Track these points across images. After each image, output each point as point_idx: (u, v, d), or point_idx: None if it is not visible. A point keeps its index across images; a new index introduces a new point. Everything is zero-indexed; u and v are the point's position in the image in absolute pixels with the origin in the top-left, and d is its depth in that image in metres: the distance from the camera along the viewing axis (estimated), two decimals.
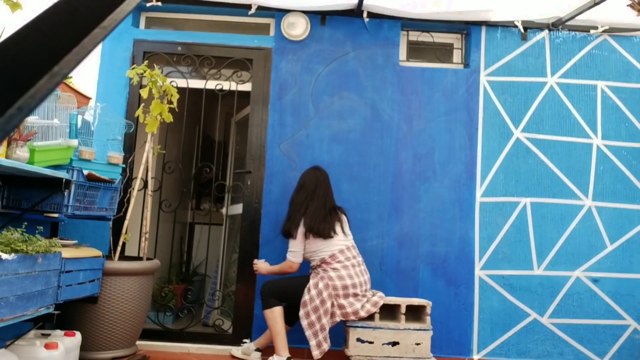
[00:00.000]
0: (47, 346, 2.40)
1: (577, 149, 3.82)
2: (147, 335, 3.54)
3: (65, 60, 0.32)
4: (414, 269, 3.71)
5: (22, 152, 2.44)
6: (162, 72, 3.47)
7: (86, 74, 3.73)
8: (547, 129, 3.83)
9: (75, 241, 3.00)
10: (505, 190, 3.78)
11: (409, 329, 3.15)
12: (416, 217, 3.74)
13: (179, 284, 4.47)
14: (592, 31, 3.87)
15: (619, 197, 3.79)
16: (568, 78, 3.87)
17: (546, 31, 3.89)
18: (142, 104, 3.44)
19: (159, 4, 3.80)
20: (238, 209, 3.93)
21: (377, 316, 3.17)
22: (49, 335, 2.63)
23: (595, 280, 3.73)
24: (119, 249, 3.22)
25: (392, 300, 3.24)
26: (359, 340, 3.13)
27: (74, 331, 2.73)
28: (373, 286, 3.67)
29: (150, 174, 3.60)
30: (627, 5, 3.20)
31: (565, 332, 3.69)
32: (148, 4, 3.84)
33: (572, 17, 3.63)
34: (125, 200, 3.41)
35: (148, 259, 3.31)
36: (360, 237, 3.70)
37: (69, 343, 2.60)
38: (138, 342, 3.25)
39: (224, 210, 4.25)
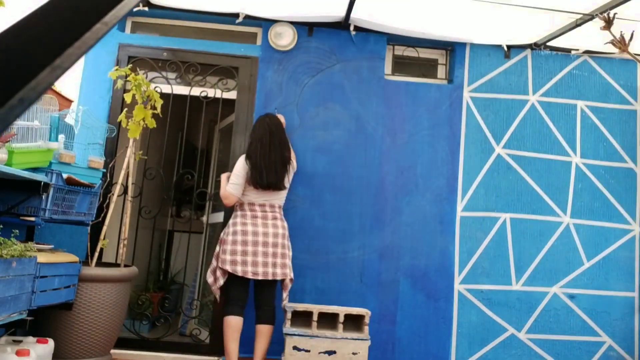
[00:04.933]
0: (18, 353, 2.33)
1: (556, 166, 3.88)
2: (122, 343, 3.47)
3: (66, 54, 0.31)
4: (394, 281, 3.71)
5: (0, 154, 2.39)
6: (146, 77, 3.44)
7: (69, 77, 3.68)
8: (528, 145, 3.89)
9: (52, 246, 2.94)
10: (486, 205, 3.82)
11: (346, 338, 3.14)
12: (397, 230, 3.75)
13: (156, 292, 4.41)
14: (572, 52, 3.96)
15: (597, 215, 3.86)
16: (549, 97, 3.95)
17: (529, 50, 3.97)
18: (125, 109, 3.40)
19: (146, 9, 3.78)
20: (219, 217, 3.90)
21: (314, 324, 3.15)
22: (20, 342, 2.56)
23: (571, 297, 3.78)
24: (96, 255, 3.16)
25: (331, 309, 3.23)
26: (295, 348, 3.11)
27: (47, 338, 2.66)
28: (353, 298, 3.67)
29: (130, 180, 3.56)
30: (608, 43, 3.28)
31: (541, 348, 3.72)
32: (134, 9, 3.81)
33: (554, 37, 3.71)
34: (104, 205, 3.36)
35: (126, 265, 3.26)
36: (341, 248, 3.70)
37: (41, 350, 2.54)
38: (113, 351, 3.19)
39: (204, 219, 4.21)
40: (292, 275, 3.24)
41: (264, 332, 3.16)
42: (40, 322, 2.86)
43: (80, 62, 3.75)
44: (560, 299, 3.77)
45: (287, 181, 3.30)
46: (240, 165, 3.25)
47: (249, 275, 3.10)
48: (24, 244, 2.43)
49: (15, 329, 2.85)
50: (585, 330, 3.76)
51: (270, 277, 3.13)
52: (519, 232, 3.81)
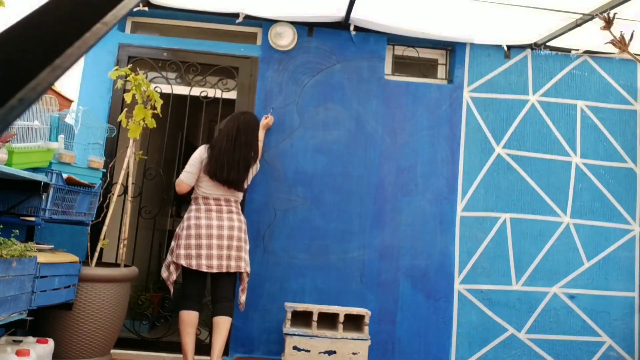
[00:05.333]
0: (18, 353, 2.33)
1: (556, 166, 3.88)
2: (122, 343, 3.46)
3: (66, 54, 0.31)
4: (394, 281, 3.71)
5: (0, 154, 2.38)
6: (146, 77, 3.44)
7: (69, 77, 3.68)
8: (528, 145, 3.89)
9: (52, 246, 2.94)
10: (486, 205, 3.82)
11: (346, 338, 3.14)
12: (397, 230, 3.75)
13: (156, 292, 4.40)
14: (572, 52, 3.96)
15: (597, 215, 3.86)
16: (549, 97, 3.94)
17: (528, 50, 3.97)
18: (125, 109, 3.40)
19: (146, 9, 3.78)
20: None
21: (314, 324, 3.15)
22: (20, 342, 2.56)
23: (571, 297, 3.78)
24: (96, 255, 3.16)
25: (331, 309, 3.23)
26: (295, 348, 3.12)
27: (47, 338, 2.66)
28: (353, 298, 3.67)
29: (130, 180, 3.55)
30: (608, 43, 3.27)
31: (541, 348, 3.72)
32: (134, 9, 3.81)
33: (554, 37, 3.71)
34: (104, 205, 3.36)
35: (126, 265, 3.26)
36: (341, 248, 3.70)
37: (41, 350, 2.53)
38: (113, 351, 3.19)
39: None
40: (248, 269, 3.21)
41: (221, 324, 3.12)
42: (40, 322, 2.86)
43: (80, 62, 3.75)
44: (560, 299, 3.77)
45: (246, 183, 3.30)
46: (198, 155, 3.23)
47: (204, 269, 3.07)
48: (24, 244, 2.43)
49: (15, 329, 2.85)
50: (585, 330, 3.76)
51: (224, 270, 3.10)
52: (519, 232, 3.81)
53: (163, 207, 4.20)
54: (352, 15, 3.64)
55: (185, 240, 3.11)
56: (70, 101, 3.37)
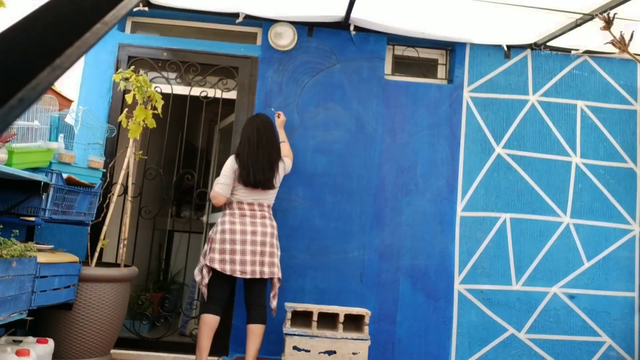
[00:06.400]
0: (18, 353, 2.33)
1: (556, 166, 3.88)
2: (122, 343, 3.47)
3: (66, 54, 0.31)
4: (394, 281, 3.71)
5: (0, 154, 2.38)
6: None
7: (69, 77, 3.68)
8: (528, 145, 3.89)
9: (52, 246, 2.94)
10: (486, 205, 3.82)
11: (346, 338, 3.14)
12: (397, 230, 3.75)
13: (156, 292, 4.41)
14: (572, 52, 3.96)
15: (596, 215, 3.86)
16: (549, 97, 3.94)
17: (529, 50, 3.97)
18: (126, 109, 3.40)
19: (146, 9, 3.78)
20: (219, 217, 3.90)
21: (314, 324, 3.15)
22: (20, 342, 2.56)
23: (571, 297, 3.78)
24: (96, 255, 3.16)
25: (331, 309, 3.23)
26: (295, 348, 3.12)
27: (47, 338, 2.66)
28: (353, 298, 3.67)
29: (130, 180, 3.55)
30: (608, 43, 3.28)
31: (541, 348, 3.72)
32: (134, 9, 3.81)
33: (554, 37, 3.71)
34: (104, 205, 3.36)
35: (126, 265, 3.26)
36: (341, 248, 3.70)
37: (41, 350, 2.54)
38: (113, 351, 3.19)
39: (204, 219, 4.21)
40: (280, 275, 3.21)
41: (256, 332, 3.12)
42: (40, 322, 2.86)
43: (80, 62, 3.75)
44: (560, 299, 3.77)
45: (277, 181, 3.28)
46: (229, 165, 3.24)
47: (237, 274, 3.08)
48: (24, 244, 2.43)
49: (15, 329, 2.85)
50: (585, 330, 3.76)
51: (258, 276, 3.11)
52: (519, 232, 3.81)
53: (163, 207, 4.20)
54: (352, 15, 3.64)
55: (219, 244, 3.12)
56: (70, 101, 3.36)
